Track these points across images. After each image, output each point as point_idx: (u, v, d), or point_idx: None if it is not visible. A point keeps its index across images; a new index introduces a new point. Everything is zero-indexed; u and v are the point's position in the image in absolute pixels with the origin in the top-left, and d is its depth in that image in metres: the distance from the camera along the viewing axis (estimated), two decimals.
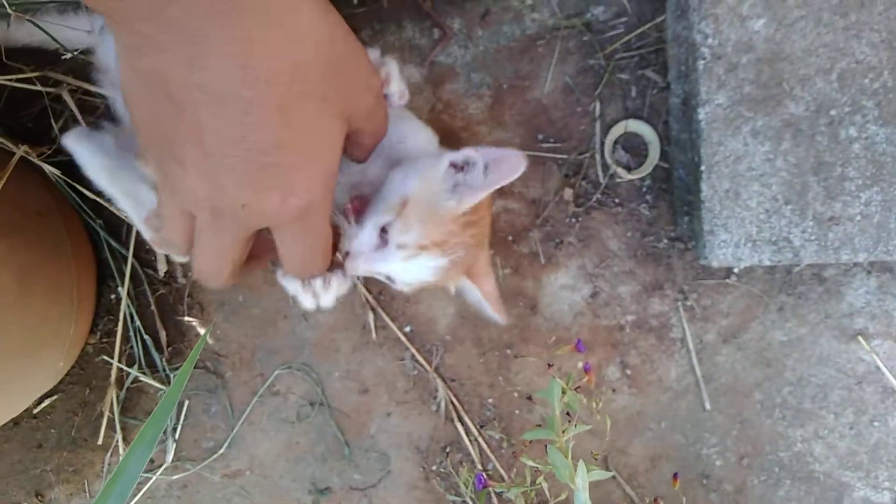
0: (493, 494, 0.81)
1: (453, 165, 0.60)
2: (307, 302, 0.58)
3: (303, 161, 0.41)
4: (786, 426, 0.84)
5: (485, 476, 0.60)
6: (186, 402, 0.91)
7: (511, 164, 0.56)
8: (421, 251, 0.58)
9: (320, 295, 0.57)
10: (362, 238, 0.58)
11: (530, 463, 0.56)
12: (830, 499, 0.85)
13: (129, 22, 0.35)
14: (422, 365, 0.88)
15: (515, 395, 0.87)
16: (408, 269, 0.59)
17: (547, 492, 0.55)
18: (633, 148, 0.83)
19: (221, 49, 0.35)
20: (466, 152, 0.59)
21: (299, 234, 0.45)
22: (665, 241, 0.83)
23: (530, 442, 0.62)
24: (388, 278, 0.61)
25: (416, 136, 0.67)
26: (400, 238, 0.57)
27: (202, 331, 0.89)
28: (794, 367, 0.83)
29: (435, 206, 0.59)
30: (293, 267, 0.50)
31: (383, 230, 0.58)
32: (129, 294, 0.89)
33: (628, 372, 0.85)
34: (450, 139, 0.86)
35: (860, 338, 0.82)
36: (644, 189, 0.83)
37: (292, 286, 0.58)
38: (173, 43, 0.35)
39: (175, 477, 0.92)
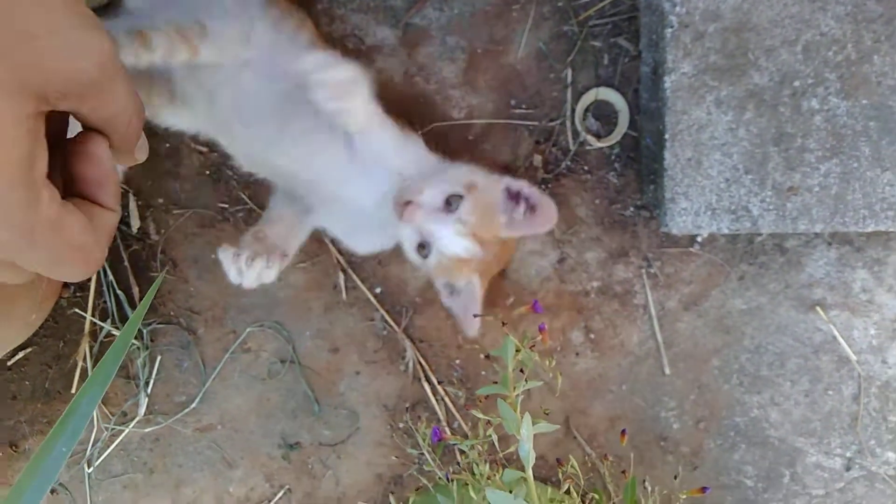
0: (457, 451, 0.83)
1: (507, 190, 0.73)
2: (231, 275, 0.69)
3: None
4: (743, 392, 0.87)
5: (440, 429, 0.62)
6: (159, 358, 0.92)
7: (546, 216, 0.71)
8: (470, 236, 0.69)
9: (244, 272, 0.68)
10: (431, 194, 0.69)
11: (481, 416, 0.58)
12: (784, 463, 0.88)
13: None
14: (391, 326, 0.90)
15: (482, 356, 0.88)
16: (452, 241, 0.69)
17: (496, 443, 0.57)
18: (604, 116, 0.84)
19: None
20: (521, 186, 0.72)
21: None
22: (631, 209, 0.84)
23: (486, 398, 0.64)
24: (422, 245, 0.72)
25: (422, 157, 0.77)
26: (465, 216, 0.69)
27: (174, 287, 0.91)
28: (753, 335, 0.85)
29: (491, 209, 0.71)
30: None
31: (448, 201, 0.69)
32: None
33: (592, 336, 0.87)
34: (424, 104, 0.86)
35: (818, 308, 0.84)
36: (613, 157, 0.84)
37: (225, 257, 0.69)
38: None
39: (147, 430, 0.94)
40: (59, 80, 0.30)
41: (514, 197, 0.74)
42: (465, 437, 0.83)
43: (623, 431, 0.66)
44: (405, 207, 0.68)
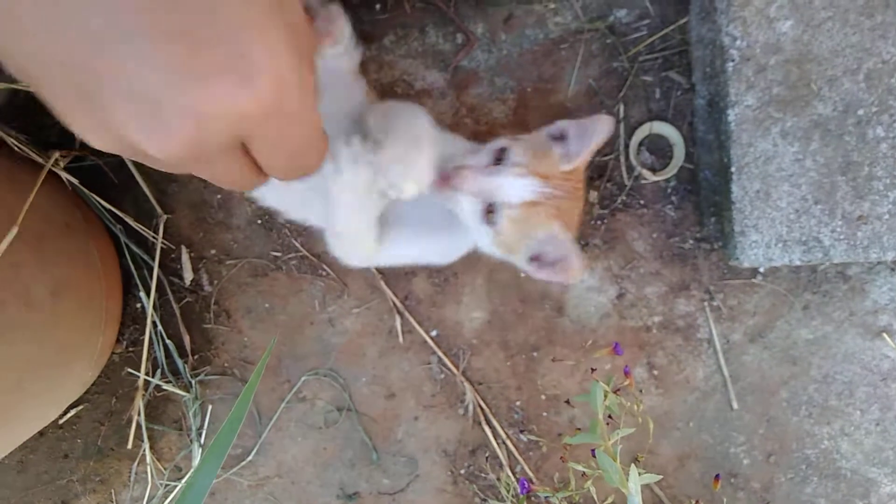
0: (543, 501, 0.81)
1: (551, 136, 0.69)
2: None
3: (247, 11, 0.26)
4: (812, 423, 0.85)
5: (528, 481, 0.60)
6: (210, 408, 0.91)
7: (602, 125, 0.65)
8: (530, 174, 0.64)
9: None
10: (475, 158, 0.67)
11: (578, 467, 0.56)
12: (857, 495, 0.85)
13: None
14: (449, 369, 0.89)
15: (543, 397, 0.87)
16: (515, 185, 0.64)
17: (595, 496, 0.55)
18: (658, 149, 0.83)
19: None
20: (560, 124, 0.69)
21: (283, 129, 0.32)
22: (691, 241, 0.83)
23: (568, 446, 0.62)
24: (489, 209, 0.66)
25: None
26: (517, 158, 0.65)
27: (228, 337, 0.90)
28: (820, 365, 0.84)
29: (541, 147, 0.68)
30: (280, 173, 0.36)
31: (496, 156, 0.66)
32: (154, 304, 0.89)
33: (655, 372, 0.85)
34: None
35: (885, 335, 0.83)
36: (669, 190, 0.83)
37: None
38: None
39: None
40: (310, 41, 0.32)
41: (560, 138, 0.70)
42: (530, 481, 0.81)
43: (717, 477, 0.64)
44: (454, 173, 0.65)
